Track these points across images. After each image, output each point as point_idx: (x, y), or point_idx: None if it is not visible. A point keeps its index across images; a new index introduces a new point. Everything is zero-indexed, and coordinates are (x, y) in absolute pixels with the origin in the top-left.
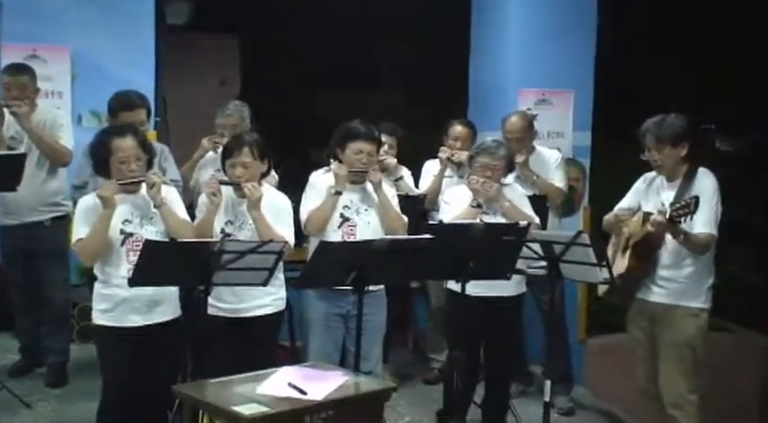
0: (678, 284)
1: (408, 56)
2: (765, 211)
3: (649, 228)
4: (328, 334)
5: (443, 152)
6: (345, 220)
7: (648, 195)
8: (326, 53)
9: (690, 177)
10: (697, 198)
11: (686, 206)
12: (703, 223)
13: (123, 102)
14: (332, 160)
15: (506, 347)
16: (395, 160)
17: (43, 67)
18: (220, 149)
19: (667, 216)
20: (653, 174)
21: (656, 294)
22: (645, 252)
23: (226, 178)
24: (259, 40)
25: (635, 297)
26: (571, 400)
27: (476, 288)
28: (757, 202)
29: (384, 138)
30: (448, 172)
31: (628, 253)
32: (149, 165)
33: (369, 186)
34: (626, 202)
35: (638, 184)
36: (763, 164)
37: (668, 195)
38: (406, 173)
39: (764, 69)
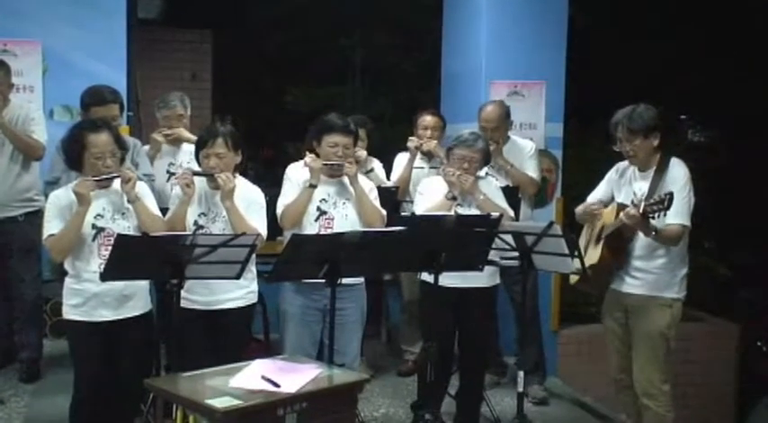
0: (651, 275)
1: (380, 48)
2: (735, 201)
3: (623, 219)
4: (305, 327)
5: (412, 141)
6: (323, 213)
7: (621, 186)
8: (297, 45)
9: (662, 168)
10: (671, 194)
11: (660, 202)
12: (675, 214)
13: (95, 96)
14: (308, 153)
15: (480, 339)
16: (365, 152)
17: (14, 61)
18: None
19: (641, 211)
20: (625, 164)
21: (630, 285)
22: (617, 244)
23: (197, 169)
24: (231, 34)
25: (608, 287)
26: (545, 389)
27: (449, 279)
28: (728, 192)
29: None
30: (419, 162)
31: (600, 244)
32: (122, 160)
33: (346, 179)
34: (598, 192)
35: (611, 175)
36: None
37: (640, 186)
38: (377, 165)
39: (738, 60)
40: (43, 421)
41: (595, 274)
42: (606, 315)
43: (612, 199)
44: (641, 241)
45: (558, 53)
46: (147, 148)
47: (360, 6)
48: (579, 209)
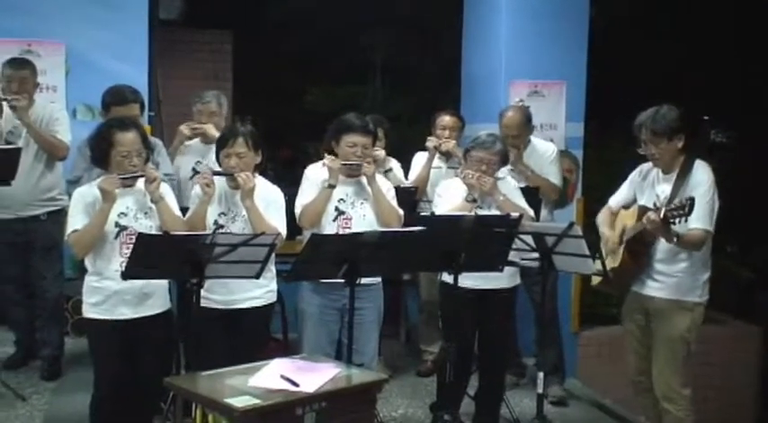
0: (673, 279)
1: (400, 48)
2: (758, 202)
3: (645, 224)
4: (323, 327)
5: (431, 141)
6: (341, 213)
7: (644, 188)
8: (318, 46)
9: (686, 170)
10: (692, 200)
11: (681, 208)
12: (697, 219)
13: (116, 96)
14: (326, 153)
15: (500, 339)
16: (383, 152)
17: (37, 61)
18: (200, 136)
19: (661, 215)
20: (648, 165)
21: (651, 288)
22: (638, 248)
23: (215, 168)
24: (251, 34)
25: (630, 289)
26: (564, 389)
27: (470, 280)
28: (749, 193)
29: None
30: (437, 162)
31: (621, 247)
32: (147, 159)
33: (364, 179)
34: (621, 194)
35: (633, 176)
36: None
37: (663, 188)
38: (395, 164)
39: (757, 62)
40: (64, 419)
41: (617, 277)
42: (626, 317)
43: (635, 201)
44: (663, 245)
45: (578, 53)
46: (171, 145)
47: (380, 5)
48: (602, 212)
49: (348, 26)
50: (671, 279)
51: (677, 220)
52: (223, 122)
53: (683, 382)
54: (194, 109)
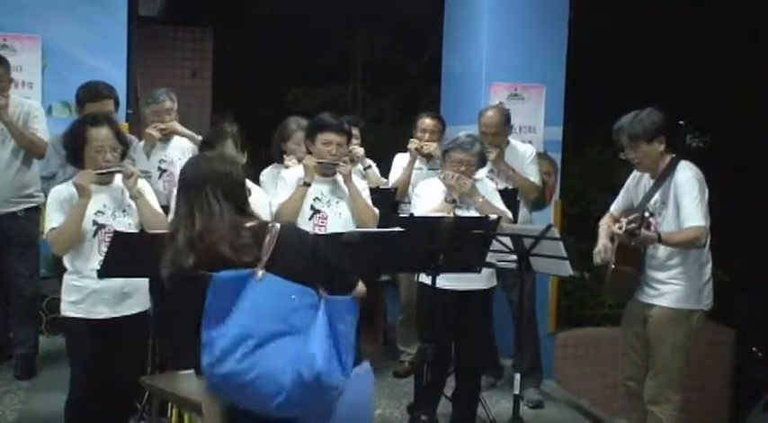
0: (667, 286)
1: (381, 48)
2: (734, 205)
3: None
4: None
5: (413, 143)
6: (316, 211)
7: (638, 193)
8: (299, 45)
9: (666, 174)
10: (643, 213)
11: (633, 221)
12: (687, 218)
13: (90, 92)
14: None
15: (477, 340)
16: (362, 149)
17: (13, 56)
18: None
19: (621, 232)
20: None
21: (647, 295)
22: (626, 255)
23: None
24: (232, 33)
25: (633, 295)
26: (540, 393)
27: (447, 281)
28: (726, 197)
29: None
30: (417, 164)
31: (613, 254)
32: (123, 156)
33: (340, 178)
34: (619, 200)
35: (628, 182)
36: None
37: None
38: (372, 164)
39: (737, 66)
40: (37, 418)
41: (615, 283)
42: (624, 323)
43: (633, 206)
44: (653, 251)
45: (558, 57)
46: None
47: (362, 6)
48: (604, 218)
49: (330, 26)
50: (665, 287)
51: (651, 228)
52: (177, 117)
53: (675, 389)
54: (149, 110)
